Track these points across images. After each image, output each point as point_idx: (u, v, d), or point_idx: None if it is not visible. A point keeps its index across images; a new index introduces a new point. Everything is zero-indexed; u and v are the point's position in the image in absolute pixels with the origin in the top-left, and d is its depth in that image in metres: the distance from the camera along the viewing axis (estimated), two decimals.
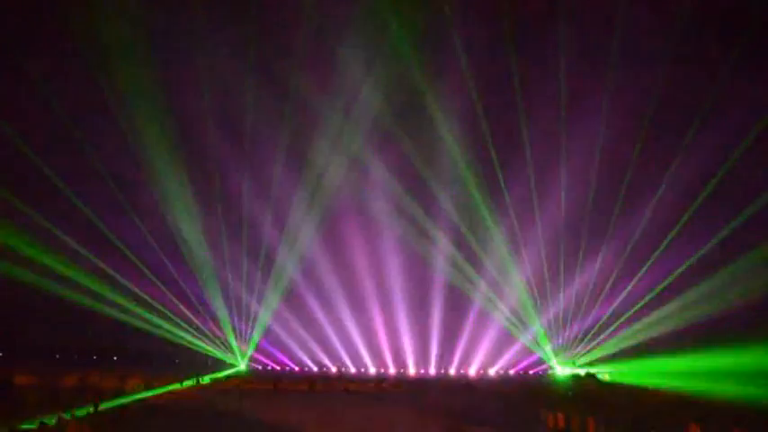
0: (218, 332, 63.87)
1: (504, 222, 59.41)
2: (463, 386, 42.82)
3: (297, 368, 67.44)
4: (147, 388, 35.45)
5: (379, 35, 50.84)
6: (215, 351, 66.44)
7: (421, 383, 45.08)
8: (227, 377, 50.03)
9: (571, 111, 53.77)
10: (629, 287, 55.70)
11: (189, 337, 63.64)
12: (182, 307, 61.87)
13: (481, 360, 64.93)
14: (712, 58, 48.50)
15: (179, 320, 62.39)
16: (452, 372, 64.46)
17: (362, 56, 53.06)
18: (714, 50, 48.25)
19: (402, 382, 45.73)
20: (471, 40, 52.88)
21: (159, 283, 60.63)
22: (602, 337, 58.70)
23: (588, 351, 59.30)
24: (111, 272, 57.71)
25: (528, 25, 53.49)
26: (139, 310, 58.77)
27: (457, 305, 62.67)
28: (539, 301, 60.85)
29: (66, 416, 20.13)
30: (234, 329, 63.83)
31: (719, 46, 48.02)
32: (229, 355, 67.30)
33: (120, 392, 32.97)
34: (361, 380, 49.51)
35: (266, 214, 61.20)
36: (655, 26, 49.75)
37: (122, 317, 56.77)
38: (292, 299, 63.24)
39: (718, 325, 48.36)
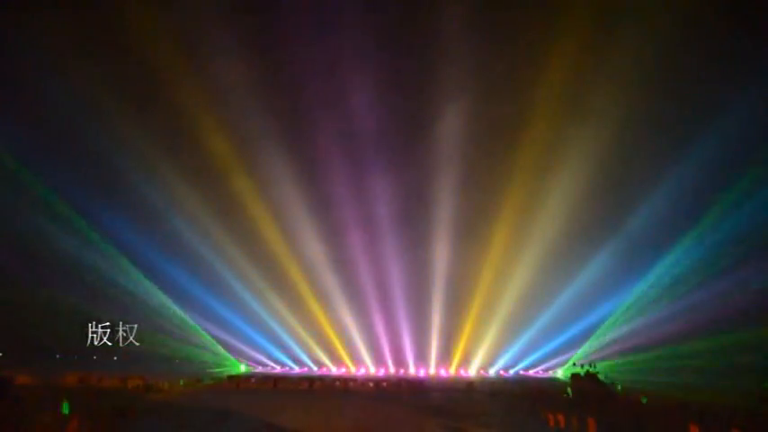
0: (222, 335, 63.95)
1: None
2: (463, 386, 42.75)
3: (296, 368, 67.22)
4: (148, 388, 35.39)
5: None
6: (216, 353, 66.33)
7: (421, 383, 45.04)
8: (229, 377, 50.05)
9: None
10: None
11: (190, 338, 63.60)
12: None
13: (481, 360, 64.83)
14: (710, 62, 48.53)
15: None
16: (452, 372, 64.28)
17: None
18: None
19: (402, 381, 45.66)
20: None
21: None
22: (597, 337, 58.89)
23: (586, 352, 59.32)
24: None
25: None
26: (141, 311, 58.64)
27: (458, 307, 62.70)
28: (536, 304, 60.88)
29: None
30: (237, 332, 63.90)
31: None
32: (232, 356, 67.22)
33: (120, 392, 32.93)
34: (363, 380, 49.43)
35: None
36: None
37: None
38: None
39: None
